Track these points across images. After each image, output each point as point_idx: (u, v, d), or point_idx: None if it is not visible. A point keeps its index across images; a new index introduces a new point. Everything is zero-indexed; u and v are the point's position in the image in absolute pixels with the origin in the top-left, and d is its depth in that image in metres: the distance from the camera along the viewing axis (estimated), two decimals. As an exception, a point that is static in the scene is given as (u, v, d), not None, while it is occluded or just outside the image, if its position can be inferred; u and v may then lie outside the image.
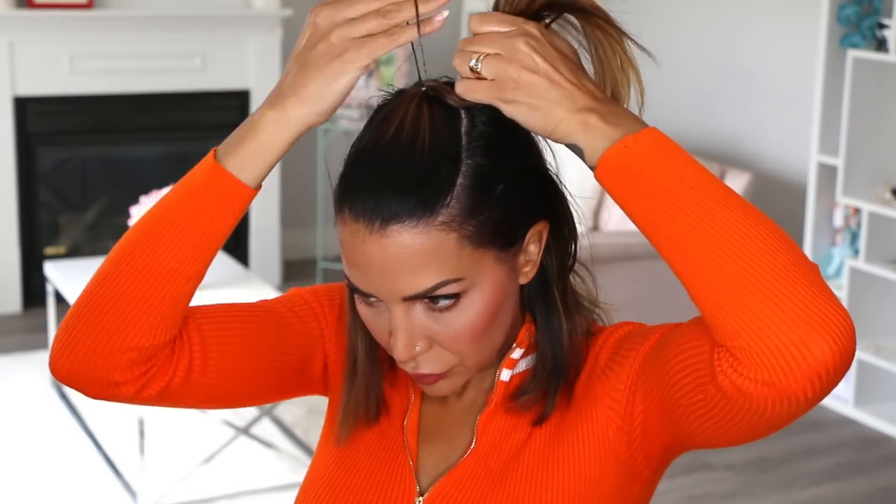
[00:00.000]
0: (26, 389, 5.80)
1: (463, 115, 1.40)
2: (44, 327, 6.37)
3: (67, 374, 1.47)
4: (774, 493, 5.00)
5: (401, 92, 1.43)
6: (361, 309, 1.44)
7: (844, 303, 5.66)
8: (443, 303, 1.38)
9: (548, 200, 1.48)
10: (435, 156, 1.35)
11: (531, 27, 1.37)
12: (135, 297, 1.43)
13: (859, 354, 5.62)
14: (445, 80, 1.44)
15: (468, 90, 1.35)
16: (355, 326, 1.53)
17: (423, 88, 1.41)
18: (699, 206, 1.26)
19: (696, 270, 1.26)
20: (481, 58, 1.35)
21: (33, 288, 6.85)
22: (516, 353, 1.51)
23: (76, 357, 1.45)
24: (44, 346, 6.25)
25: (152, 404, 1.52)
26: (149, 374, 1.47)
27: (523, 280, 1.46)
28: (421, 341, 1.41)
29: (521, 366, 1.52)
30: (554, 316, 1.50)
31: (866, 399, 5.73)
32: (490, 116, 1.41)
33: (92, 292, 1.45)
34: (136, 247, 1.44)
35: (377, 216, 1.34)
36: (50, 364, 1.48)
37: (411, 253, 1.34)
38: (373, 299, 1.41)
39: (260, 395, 1.63)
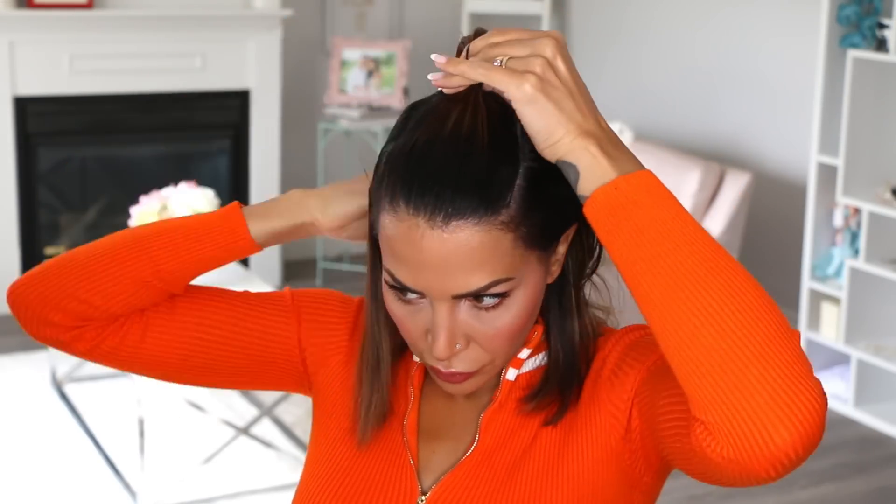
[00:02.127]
0: (26, 389, 5.81)
1: (517, 117, 1.37)
2: (44, 327, 6.35)
3: (18, 298, 1.61)
4: (774, 493, 5.00)
5: (440, 93, 1.41)
6: (395, 307, 1.43)
7: (844, 303, 5.66)
8: (488, 301, 1.38)
9: (577, 203, 1.45)
10: (496, 155, 1.35)
11: (556, 33, 1.35)
12: (111, 264, 1.58)
13: (859, 354, 5.62)
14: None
15: (488, 71, 1.33)
16: (379, 326, 1.53)
17: (481, 87, 1.38)
18: (681, 266, 1.25)
19: (671, 336, 1.25)
20: (506, 59, 1.33)
21: (33, 288, 6.84)
22: (523, 353, 1.51)
23: (34, 287, 1.59)
24: (43, 346, 6.24)
25: (81, 357, 1.64)
26: (84, 329, 1.60)
27: (549, 280, 1.47)
28: (461, 340, 1.41)
29: (528, 366, 1.52)
30: (568, 317, 1.50)
31: (866, 399, 5.73)
32: None
33: (78, 251, 1.60)
34: (135, 237, 1.59)
35: (440, 211, 1.33)
36: (8, 288, 1.61)
37: (470, 250, 1.34)
38: (415, 297, 1.40)
39: (209, 375, 1.67)
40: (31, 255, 6.86)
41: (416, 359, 1.56)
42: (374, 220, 1.42)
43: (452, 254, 1.34)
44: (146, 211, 5.19)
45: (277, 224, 1.58)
